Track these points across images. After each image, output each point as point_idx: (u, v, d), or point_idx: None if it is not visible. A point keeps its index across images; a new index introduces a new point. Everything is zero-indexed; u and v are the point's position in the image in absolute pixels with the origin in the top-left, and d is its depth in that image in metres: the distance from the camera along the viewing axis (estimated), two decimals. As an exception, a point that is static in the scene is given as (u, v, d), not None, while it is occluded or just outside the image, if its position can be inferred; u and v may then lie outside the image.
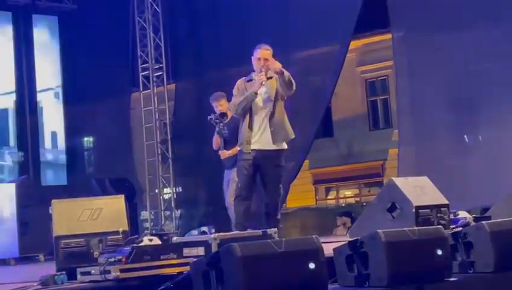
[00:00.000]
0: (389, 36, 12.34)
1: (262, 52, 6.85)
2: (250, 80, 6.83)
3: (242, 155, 6.77)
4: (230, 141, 8.23)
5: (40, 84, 13.68)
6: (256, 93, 6.66)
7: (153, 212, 13.58)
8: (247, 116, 6.73)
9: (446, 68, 10.78)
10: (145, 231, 12.35)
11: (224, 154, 8.34)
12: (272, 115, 6.75)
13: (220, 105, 8.40)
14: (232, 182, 8.24)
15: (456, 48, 10.69)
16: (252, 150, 6.71)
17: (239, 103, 6.71)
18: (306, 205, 19.92)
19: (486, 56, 10.48)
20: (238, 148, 8.14)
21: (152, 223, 13.50)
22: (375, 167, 20.68)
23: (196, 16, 13.17)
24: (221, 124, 8.26)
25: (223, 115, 8.34)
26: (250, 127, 6.71)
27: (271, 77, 6.78)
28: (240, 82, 6.95)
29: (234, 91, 6.92)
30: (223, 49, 12.72)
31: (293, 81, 6.74)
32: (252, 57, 6.92)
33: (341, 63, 11.55)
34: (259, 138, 6.72)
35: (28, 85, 13.55)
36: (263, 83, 6.66)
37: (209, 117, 8.38)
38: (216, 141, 8.40)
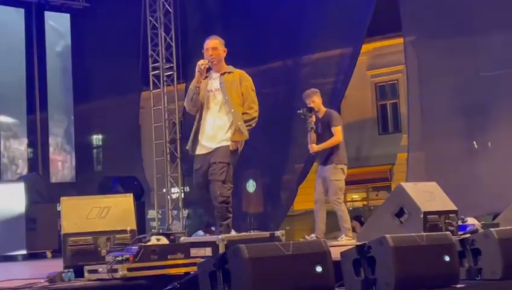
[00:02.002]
0: (400, 40, 12.32)
1: (210, 42, 6.46)
2: (206, 77, 6.39)
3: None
4: (322, 136, 8.37)
5: (50, 81, 13.71)
6: (198, 86, 6.25)
7: (160, 212, 13.60)
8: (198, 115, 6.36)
9: (457, 73, 10.76)
10: (152, 230, 12.38)
11: (313, 148, 8.41)
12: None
13: (313, 102, 8.47)
14: (328, 181, 8.34)
15: (467, 53, 10.68)
16: (197, 155, 6.31)
17: (186, 98, 6.38)
18: (313, 208, 19.89)
19: (497, 62, 10.46)
20: (328, 143, 8.17)
21: (159, 223, 13.52)
22: (383, 171, 20.65)
23: (207, 17, 13.19)
24: (310, 118, 8.28)
25: (311, 109, 8.38)
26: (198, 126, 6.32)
27: (226, 73, 6.42)
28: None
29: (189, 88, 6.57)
30: (233, 50, 12.68)
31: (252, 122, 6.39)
32: (203, 52, 6.50)
33: (352, 67, 11.55)
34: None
35: (38, 82, 13.59)
36: (201, 67, 6.24)
37: (298, 111, 8.48)
38: (311, 136, 8.41)
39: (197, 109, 6.35)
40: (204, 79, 6.36)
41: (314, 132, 8.40)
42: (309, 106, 8.44)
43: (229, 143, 6.24)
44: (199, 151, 6.27)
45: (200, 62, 6.30)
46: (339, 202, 8.41)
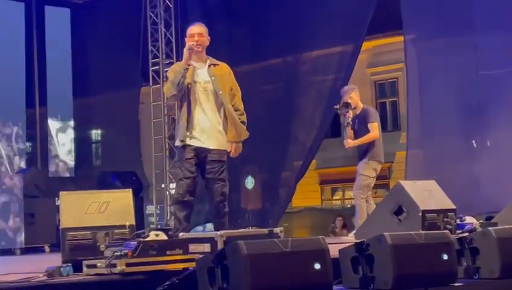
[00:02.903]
0: (400, 38, 12.32)
1: (195, 28, 6.27)
2: (188, 65, 6.14)
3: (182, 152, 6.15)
4: (358, 132, 8.46)
5: (50, 75, 13.70)
6: (187, 67, 6.04)
7: (159, 207, 13.59)
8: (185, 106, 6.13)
9: (457, 72, 10.76)
10: (151, 226, 12.38)
11: (348, 143, 8.51)
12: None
13: (350, 98, 8.57)
14: (357, 174, 8.46)
15: (467, 52, 10.67)
16: (189, 145, 6.13)
17: (171, 81, 6.07)
18: (311, 205, 19.94)
19: (497, 61, 10.46)
20: (364, 139, 8.22)
21: (158, 218, 13.52)
22: (381, 169, 20.62)
23: (208, 13, 13.18)
24: (347, 114, 8.33)
25: (348, 105, 8.44)
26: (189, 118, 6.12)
27: (213, 65, 6.28)
28: (176, 65, 6.38)
29: (168, 74, 6.32)
30: (234, 46, 12.73)
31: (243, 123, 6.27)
32: (186, 39, 6.28)
33: (352, 64, 11.56)
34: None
35: (38, 76, 13.58)
36: (193, 47, 6.06)
37: (334, 106, 8.54)
38: (347, 132, 8.49)
39: (180, 96, 6.13)
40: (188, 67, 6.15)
41: (351, 128, 8.41)
42: (346, 101, 8.47)
43: (225, 144, 6.19)
44: (191, 142, 6.12)
45: (191, 43, 6.12)
46: (360, 196, 8.46)
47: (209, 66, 6.26)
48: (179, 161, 6.17)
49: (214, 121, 6.19)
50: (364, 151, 8.48)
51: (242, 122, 6.27)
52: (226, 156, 6.26)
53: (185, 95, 6.14)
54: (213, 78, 6.21)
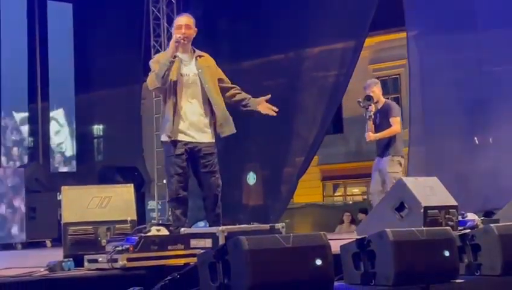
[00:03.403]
0: (402, 35, 12.31)
1: (183, 19, 6.12)
2: (174, 57, 5.93)
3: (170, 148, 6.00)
4: (380, 126, 8.46)
5: (52, 70, 13.71)
6: (173, 60, 5.86)
7: (160, 203, 13.60)
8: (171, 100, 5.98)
9: (459, 69, 10.76)
10: (152, 221, 12.39)
11: (370, 136, 8.51)
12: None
13: (372, 92, 8.58)
14: (385, 173, 8.35)
15: (470, 48, 10.67)
16: (179, 141, 5.99)
17: (156, 73, 5.87)
18: (313, 201, 19.93)
19: (500, 58, 10.45)
20: (385, 132, 8.18)
21: (159, 213, 13.53)
22: (384, 165, 20.64)
23: (211, 8, 13.17)
24: (370, 107, 8.34)
25: (370, 98, 8.46)
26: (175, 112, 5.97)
27: (199, 56, 6.14)
28: (160, 56, 6.16)
29: (152, 66, 6.04)
30: (237, 42, 12.73)
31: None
32: (172, 29, 6.16)
33: (355, 60, 11.55)
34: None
35: (40, 71, 13.59)
36: (180, 40, 5.90)
37: (358, 100, 8.54)
38: (369, 125, 8.49)
39: (164, 90, 5.99)
40: (173, 59, 5.99)
41: (373, 122, 8.42)
42: (368, 94, 8.47)
43: (213, 136, 6.13)
44: (180, 137, 5.99)
45: (178, 35, 5.96)
46: None
47: (196, 58, 6.14)
48: (169, 157, 6.02)
49: (202, 114, 6.10)
50: (385, 146, 8.45)
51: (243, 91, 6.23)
52: (216, 147, 6.20)
53: (170, 88, 6.00)
54: (200, 70, 6.10)
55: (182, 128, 6.01)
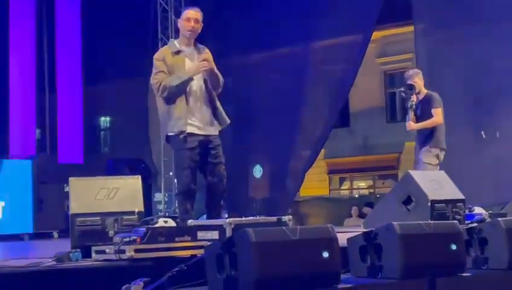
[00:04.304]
0: (410, 28, 12.29)
1: (194, 13, 6.12)
2: (178, 52, 6.08)
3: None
4: (421, 117, 8.32)
5: (60, 62, 13.71)
6: (192, 79, 5.98)
7: (167, 195, 13.62)
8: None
9: (467, 63, 10.74)
10: (159, 213, 12.42)
11: (411, 125, 8.36)
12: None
13: (414, 82, 8.41)
14: (420, 163, 8.23)
15: (478, 42, 10.64)
16: (192, 135, 6.06)
17: (175, 86, 5.93)
18: (319, 194, 19.95)
19: (508, 51, 10.42)
20: (426, 123, 8.08)
21: (166, 206, 13.55)
22: (390, 159, 20.66)
23: (218, 2, 13.16)
24: (411, 96, 8.25)
25: (411, 86, 8.34)
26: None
27: (200, 48, 6.20)
28: (165, 53, 6.16)
29: (158, 64, 6.11)
30: (244, 35, 12.73)
31: (221, 81, 6.19)
32: (179, 20, 6.20)
33: (362, 54, 11.54)
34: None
35: (48, 63, 13.60)
36: (203, 70, 6.00)
37: (399, 89, 8.45)
38: (410, 115, 8.37)
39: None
40: (177, 54, 6.07)
41: (414, 113, 8.35)
42: (410, 83, 8.37)
43: (217, 129, 6.20)
44: (192, 130, 6.04)
45: (204, 64, 6.00)
46: None
47: (199, 51, 6.18)
48: (181, 150, 6.05)
49: (207, 106, 6.15)
50: (425, 137, 8.31)
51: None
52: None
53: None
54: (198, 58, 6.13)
55: (195, 122, 6.05)
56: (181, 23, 6.16)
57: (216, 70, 6.15)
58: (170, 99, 6.02)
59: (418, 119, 8.38)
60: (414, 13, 11.46)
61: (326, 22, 11.76)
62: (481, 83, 10.58)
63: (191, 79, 5.98)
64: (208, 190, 6.21)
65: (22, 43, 12.92)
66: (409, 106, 8.36)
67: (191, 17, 6.10)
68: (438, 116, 8.30)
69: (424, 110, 8.37)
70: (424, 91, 8.48)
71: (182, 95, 5.99)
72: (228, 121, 6.25)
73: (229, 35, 12.92)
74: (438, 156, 8.25)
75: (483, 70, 10.55)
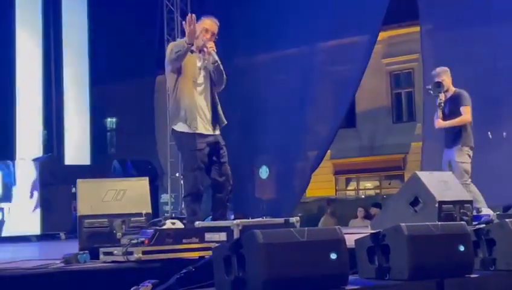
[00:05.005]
0: (416, 29, 12.28)
1: (215, 26, 6.20)
2: (192, 52, 6.11)
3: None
4: (449, 116, 8.23)
5: (66, 63, 13.75)
6: (190, 47, 5.95)
7: (173, 196, 13.64)
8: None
9: (474, 64, 10.71)
10: (165, 214, 12.43)
11: (439, 123, 8.26)
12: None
13: (442, 80, 8.32)
14: (453, 162, 8.11)
15: (484, 43, 10.62)
16: (201, 135, 6.10)
17: (176, 52, 5.97)
18: (326, 195, 19.94)
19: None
20: (455, 121, 8.01)
21: (172, 207, 13.57)
22: (396, 159, 20.63)
23: (224, 2, 13.16)
24: (440, 94, 8.17)
25: (439, 84, 8.25)
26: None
27: (207, 52, 6.21)
28: (179, 43, 6.18)
29: (174, 48, 6.10)
30: (251, 35, 12.73)
31: (224, 78, 6.21)
32: (199, 23, 6.19)
33: (368, 54, 11.53)
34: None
35: (54, 64, 13.63)
36: (211, 51, 6.05)
37: (426, 87, 8.38)
38: (438, 113, 8.28)
39: (176, 69, 6.07)
40: (191, 53, 6.10)
41: (442, 111, 8.25)
42: (438, 80, 8.27)
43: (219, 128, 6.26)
44: (201, 130, 6.09)
45: (211, 46, 6.08)
46: (466, 183, 8.03)
47: (205, 54, 6.22)
48: (192, 151, 6.06)
49: (212, 107, 6.21)
50: (454, 136, 8.22)
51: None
52: None
53: (187, 82, 6.10)
54: (206, 62, 6.22)
55: (205, 122, 6.11)
56: (200, 29, 6.15)
57: (221, 66, 6.15)
58: (177, 61, 6.01)
59: (446, 117, 8.26)
60: (420, 14, 11.45)
61: (332, 22, 11.76)
62: (488, 83, 10.55)
63: (191, 45, 5.98)
64: (215, 190, 6.23)
65: (28, 43, 12.96)
66: (437, 103, 8.24)
67: (209, 30, 6.19)
68: (467, 114, 8.20)
69: (452, 108, 8.26)
70: (452, 89, 8.35)
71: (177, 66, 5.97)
72: (225, 121, 6.28)
73: (236, 35, 12.91)
74: (469, 155, 8.18)
75: (489, 71, 10.52)
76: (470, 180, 8.16)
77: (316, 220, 15.49)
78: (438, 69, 8.49)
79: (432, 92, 8.32)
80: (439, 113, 8.28)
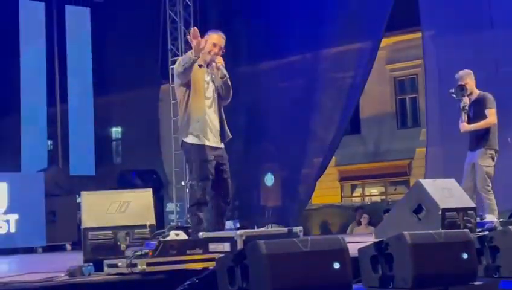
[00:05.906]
0: (419, 35, 12.29)
1: (222, 40, 6.20)
2: (200, 66, 6.11)
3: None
4: (473, 119, 8.11)
5: (71, 74, 13.79)
6: (196, 59, 5.93)
7: (178, 205, 13.65)
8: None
9: (476, 68, 10.67)
10: (171, 223, 12.44)
11: (464, 126, 8.13)
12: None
13: (466, 83, 8.19)
14: (477, 165, 8.00)
15: (486, 48, 10.62)
16: (209, 147, 6.14)
17: (183, 65, 5.98)
18: (331, 202, 19.89)
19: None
20: (480, 124, 7.90)
21: (177, 216, 13.58)
22: (401, 165, 20.57)
23: (227, 11, 13.21)
24: (463, 98, 8.07)
25: (462, 87, 8.14)
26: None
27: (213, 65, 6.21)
28: (187, 55, 6.09)
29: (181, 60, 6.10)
30: (253, 44, 12.77)
31: (231, 93, 6.24)
32: (206, 37, 6.17)
33: (372, 61, 11.55)
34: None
35: (59, 75, 13.68)
36: (219, 66, 6.07)
37: (450, 90, 8.27)
38: (463, 116, 8.15)
39: (186, 83, 6.09)
40: (200, 67, 6.12)
41: (466, 114, 8.13)
42: (461, 84, 8.14)
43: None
44: (210, 143, 6.13)
45: (219, 60, 6.11)
46: (487, 189, 7.99)
47: (212, 67, 6.25)
48: (202, 162, 6.09)
49: (219, 120, 6.26)
50: (478, 139, 8.09)
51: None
52: None
53: (196, 94, 6.14)
54: (214, 76, 6.25)
55: (212, 134, 6.16)
56: (207, 43, 6.15)
57: (229, 81, 6.20)
58: (184, 79, 6.05)
59: (470, 120, 8.13)
60: (422, 19, 11.46)
61: (336, 29, 11.79)
62: (490, 88, 10.50)
63: (194, 58, 5.95)
64: (216, 201, 6.25)
65: (32, 54, 13.02)
66: (461, 107, 8.13)
67: (217, 44, 6.19)
68: (492, 116, 8.09)
69: (476, 111, 8.14)
70: (476, 92, 8.23)
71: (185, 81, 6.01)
72: (230, 135, 6.31)
73: (240, 44, 12.96)
74: (493, 158, 8.08)
75: (492, 76, 10.51)
76: (491, 186, 8.04)
77: (322, 227, 15.47)
78: (461, 72, 8.34)
79: (455, 95, 8.17)
80: (464, 116, 8.14)
